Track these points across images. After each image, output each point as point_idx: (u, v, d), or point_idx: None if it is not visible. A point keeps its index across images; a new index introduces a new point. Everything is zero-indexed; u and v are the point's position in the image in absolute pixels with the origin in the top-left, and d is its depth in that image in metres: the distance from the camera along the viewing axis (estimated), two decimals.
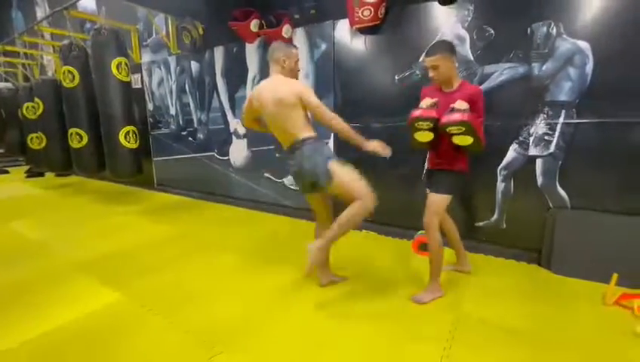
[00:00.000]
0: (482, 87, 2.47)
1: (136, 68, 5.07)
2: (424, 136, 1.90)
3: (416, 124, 1.88)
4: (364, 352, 1.58)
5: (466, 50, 2.53)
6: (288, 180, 3.81)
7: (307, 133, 1.88)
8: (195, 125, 4.63)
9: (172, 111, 4.88)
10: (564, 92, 2.25)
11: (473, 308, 1.93)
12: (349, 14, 2.86)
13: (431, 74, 1.89)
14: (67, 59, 4.08)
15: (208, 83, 4.32)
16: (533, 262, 2.49)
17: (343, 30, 3.11)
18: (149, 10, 4.46)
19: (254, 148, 4.05)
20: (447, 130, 1.77)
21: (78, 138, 4.30)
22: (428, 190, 2.13)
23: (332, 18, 3.14)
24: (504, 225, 2.59)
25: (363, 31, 2.95)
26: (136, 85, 5.11)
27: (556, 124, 2.29)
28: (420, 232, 2.83)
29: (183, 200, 4.80)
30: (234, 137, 4.20)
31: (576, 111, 2.23)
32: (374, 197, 1.82)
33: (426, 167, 2.87)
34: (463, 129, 1.72)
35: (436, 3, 2.58)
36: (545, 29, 2.25)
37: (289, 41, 3.38)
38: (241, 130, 4.11)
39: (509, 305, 1.97)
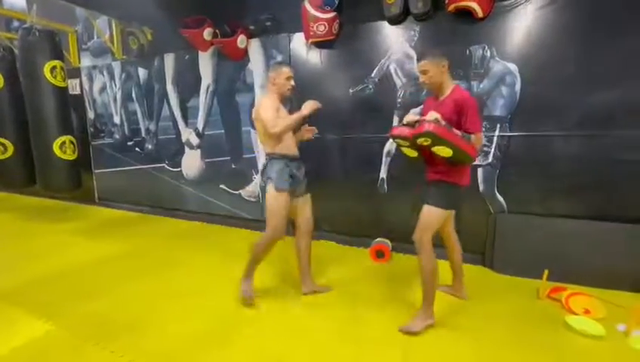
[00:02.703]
0: None
1: (75, 73, 4.66)
2: (410, 152, 1.83)
3: (395, 142, 1.83)
4: None
5: (414, 67, 2.71)
6: (245, 192, 3.71)
7: (270, 148, 2.06)
8: (143, 135, 4.35)
9: (116, 119, 4.54)
10: (498, 107, 2.50)
11: None
12: (304, 29, 2.91)
13: (421, 79, 1.79)
14: None
15: (158, 91, 4.09)
16: (478, 263, 2.68)
17: (299, 43, 3.15)
18: (89, 12, 4.15)
19: (209, 160, 3.90)
20: (418, 142, 1.67)
21: (2, 148, 3.81)
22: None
23: (288, 31, 3.18)
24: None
25: (318, 45, 3.03)
26: (75, 91, 4.68)
27: (493, 136, 2.53)
28: (376, 240, 2.92)
29: (129, 216, 4.44)
30: (186, 148, 4.02)
31: (509, 125, 2.48)
32: (280, 231, 2.05)
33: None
34: (430, 140, 1.61)
35: (386, 22, 2.74)
36: (481, 51, 2.49)
37: (244, 51, 3.36)
38: (194, 141, 3.94)
39: (457, 304, 2.10)
